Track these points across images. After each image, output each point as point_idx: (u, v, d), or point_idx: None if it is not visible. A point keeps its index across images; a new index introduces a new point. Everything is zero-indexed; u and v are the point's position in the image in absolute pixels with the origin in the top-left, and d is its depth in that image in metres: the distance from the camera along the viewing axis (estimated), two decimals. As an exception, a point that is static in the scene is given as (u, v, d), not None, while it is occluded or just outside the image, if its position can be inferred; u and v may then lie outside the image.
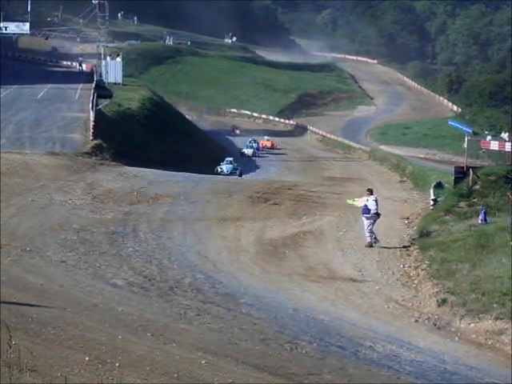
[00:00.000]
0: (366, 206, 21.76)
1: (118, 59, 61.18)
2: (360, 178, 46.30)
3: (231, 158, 51.09)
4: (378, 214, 21.67)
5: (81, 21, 65.55)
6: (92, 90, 49.37)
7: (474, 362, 13.17)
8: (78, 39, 79.92)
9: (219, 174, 46.36)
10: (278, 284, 17.46)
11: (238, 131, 79.27)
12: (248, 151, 63.01)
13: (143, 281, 16.13)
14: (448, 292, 16.41)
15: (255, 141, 67.45)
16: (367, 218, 21.46)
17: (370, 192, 22.43)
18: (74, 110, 46.48)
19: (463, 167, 28.86)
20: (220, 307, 14.44)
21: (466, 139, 58.15)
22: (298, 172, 53.32)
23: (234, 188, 32.83)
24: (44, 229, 20.78)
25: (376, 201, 21.86)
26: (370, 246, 21.23)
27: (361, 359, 12.08)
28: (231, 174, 47.30)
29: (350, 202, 23.36)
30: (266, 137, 71.62)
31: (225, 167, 48.97)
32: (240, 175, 47.50)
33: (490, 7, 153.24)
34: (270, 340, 12.35)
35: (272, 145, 68.99)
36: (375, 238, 21.46)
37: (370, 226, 21.43)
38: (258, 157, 62.14)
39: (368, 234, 21.43)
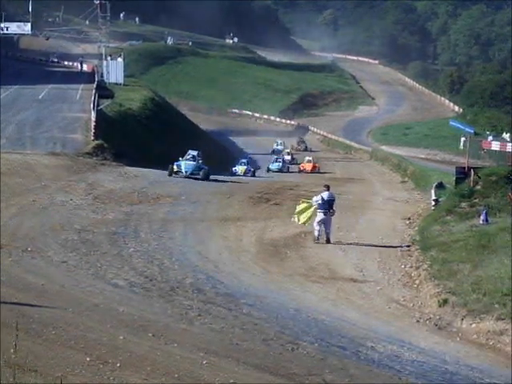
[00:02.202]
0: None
1: (119, 59, 61.20)
2: (361, 178, 46.30)
3: (195, 152, 37.03)
4: (329, 211, 21.88)
5: (87, 22, 65.46)
6: (93, 91, 49.40)
7: (475, 362, 13.16)
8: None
9: (175, 173, 35.14)
10: (279, 284, 17.46)
11: None
12: (240, 168, 48.11)
13: (144, 281, 16.12)
14: (449, 292, 16.40)
15: (281, 159, 54.57)
16: (323, 213, 21.76)
17: (327, 188, 22.62)
18: (75, 111, 46.52)
19: (464, 167, 28.84)
20: (221, 307, 14.44)
21: (462, 140, 58.32)
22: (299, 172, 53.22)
23: (234, 188, 32.88)
24: (45, 229, 20.79)
25: (322, 197, 22.03)
26: (318, 239, 21.69)
27: (362, 359, 12.08)
28: (192, 174, 35.28)
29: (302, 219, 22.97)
30: (307, 157, 55.77)
31: (184, 165, 35.51)
32: (205, 177, 35.28)
33: (492, 7, 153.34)
34: (271, 340, 12.35)
35: (313, 168, 52.53)
36: (319, 234, 21.78)
37: (320, 221, 21.76)
38: (254, 176, 47.11)
39: (317, 229, 21.79)
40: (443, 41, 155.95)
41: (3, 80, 54.08)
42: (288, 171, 51.09)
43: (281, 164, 52.31)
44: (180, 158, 35.83)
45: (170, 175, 34.56)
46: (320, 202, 22.05)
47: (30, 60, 77.12)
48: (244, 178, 43.79)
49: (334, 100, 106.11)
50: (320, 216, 21.87)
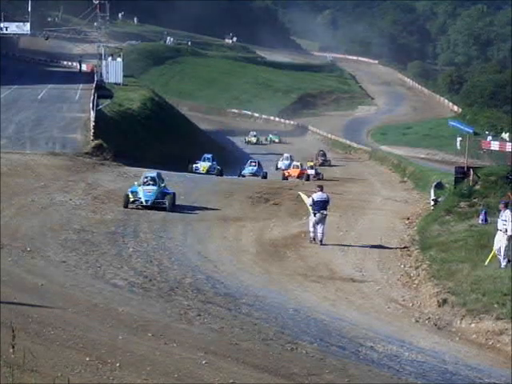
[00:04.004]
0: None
1: (119, 59, 61.20)
2: (361, 178, 46.29)
3: (154, 173, 27.63)
4: (317, 211, 21.71)
5: (95, 24, 65.14)
6: (92, 91, 49.40)
7: (475, 362, 13.16)
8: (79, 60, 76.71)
9: (132, 203, 25.82)
10: (279, 284, 17.47)
11: None
12: (202, 166, 42.08)
13: (144, 281, 16.14)
14: (448, 292, 16.40)
15: (256, 162, 47.45)
16: (313, 214, 21.67)
17: (321, 188, 22.56)
18: (75, 111, 46.52)
19: (464, 167, 28.85)
20: (220, 307, 14.45)
21: (458, 140, 58.32)
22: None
23: (234, 188, 32.86)
24: (45, 229, 20.80)
25: (312, 198, 21.90)
26: (313, 240, 21.60)
27: (361, 359, 12.09)
28: (156, 204, 25.79)
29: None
30: (294, 162, 48.96)
31: (142, 192, 25.95)
32: (172, 206, 26.04)
33: (491, 7, 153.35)
34: (271, 340, 12.36)
35: (301, 174, 45.11)
36: (314, 235, 21.67)
37: (312, 222, 21.66)
38: (221, 175, 41.41)
39: (311, 230, 21.71)
40: (442, 41, 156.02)
41: (3, 80, 54.07)
42: (265, 177, 43.55)
43: (255, 168, 45.57)
44: (135, 183, 26.77)
45: (126, 207, 25.41)
46: (310, 202, 21.93)
47: (30, 60, 77.18)
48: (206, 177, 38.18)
49: (334, 100, 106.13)
50: (312, 217, 21.78)
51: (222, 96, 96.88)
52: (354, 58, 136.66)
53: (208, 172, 41.36)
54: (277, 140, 75.60)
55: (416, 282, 18.06)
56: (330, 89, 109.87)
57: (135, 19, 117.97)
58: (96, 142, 36.81)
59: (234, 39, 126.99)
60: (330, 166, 56.11)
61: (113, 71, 60.11)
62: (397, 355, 12.68)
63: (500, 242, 17.70)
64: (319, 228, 21.70)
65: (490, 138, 66.46)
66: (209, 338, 12.06)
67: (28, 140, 37.43)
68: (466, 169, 28.24)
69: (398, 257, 20.64)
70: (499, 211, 18.18)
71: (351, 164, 59.02)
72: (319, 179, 43.58)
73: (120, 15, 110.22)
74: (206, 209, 21.26)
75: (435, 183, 31.24)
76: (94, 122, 39.00)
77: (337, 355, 12.02)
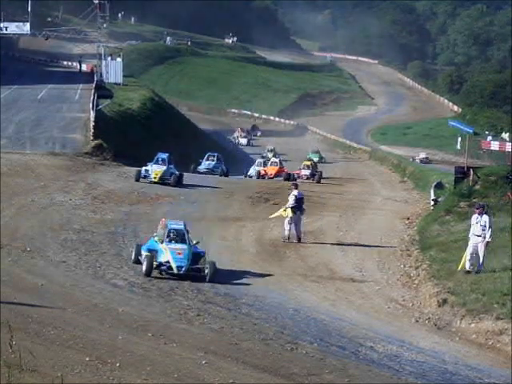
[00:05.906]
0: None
1: (119, 59, 61.17)
2: (361, 178, 46.29)
3: (180, 225, 18.42)
4: (300, 209, 21.76)
5: (103, 25, 64.94)
6: (92, 91, 49.38)
7: (475, 362, 13.16)
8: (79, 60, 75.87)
9: (157, 268, 17.25)
10: (279, 284, 17.47)
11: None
12: (154, 171, 31.01)
13: (143, 281, 16.16)
14: (448, 292, 16.40)
15: (215, 156, 40.97)
16: (293, 212, 21.59)
17: (295, 186, 22.59)
18: (75, 111, 46.49)
19: (464, 167, 28.85)
20: (220, 307, 14.46)
21: (459, 140, 58.42)
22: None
23: (234, 188, 32.85)
24: (44, 229, 20.80)
25: (296, 196, 21.88)
26: (287, 238, 21.49)
27: (361, 359, 12.09)
28: (189, 272, 17.09)
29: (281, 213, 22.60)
30: (273, 158, 44.60)
31: (170, 252, 17.28)
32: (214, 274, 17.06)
33: (491, 7, 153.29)
34: (271, 340, 12.37)
35: (279, 172, 40.16)
36: (289, 233, 21.56)
37: (290, 220, 21.53)
38: (181, 185, 31.28)
39: (287, 228, 21.60)
40: (442, 41, 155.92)
41: (3, 80, 54.02)
42: (226, 175, 39.43)
43: (212, 163, 39.79)
44: (152, 238, 18.24)
45: (149, 274, 16.72)
46: (293, 202, 21.84)
47: (30, 60, 77.16)
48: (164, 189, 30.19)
49: (334, 100, 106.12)
50: (292, 215, 21.62)
51: (222, 96, 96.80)
52: (354, 58, 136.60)
53: (162, 179, 31.00)
54: (316, 159, 52.68)
55: (416, 282, 18.07)
56: (330, 89, 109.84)
57: (132, 19, 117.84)
58: (96, 141, 36.76)
59: (234, 39, 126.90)
60: (322, 177, 41.07)
61: (113, 71, 60.05)
62: (397, 355, 12.69)
63: (474, 246, 17.49)
64: (298, 225, 21.66)
65: (489, 138, 66.49)
66: (209, 337, 12.07)
67: (28, 140, 37.41)
68: (465, 169, 28.25)
69: (398, 257, 20.65)
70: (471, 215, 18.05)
71: (351, 164, 58.98)
72: (318, 182, 39.34)
73: (120, 15, 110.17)
74: (254, 275, 17.89)
75: (435, 183, 31.26)
76: (94, 122, 38.95)
77: (337, 355, 12.02)
